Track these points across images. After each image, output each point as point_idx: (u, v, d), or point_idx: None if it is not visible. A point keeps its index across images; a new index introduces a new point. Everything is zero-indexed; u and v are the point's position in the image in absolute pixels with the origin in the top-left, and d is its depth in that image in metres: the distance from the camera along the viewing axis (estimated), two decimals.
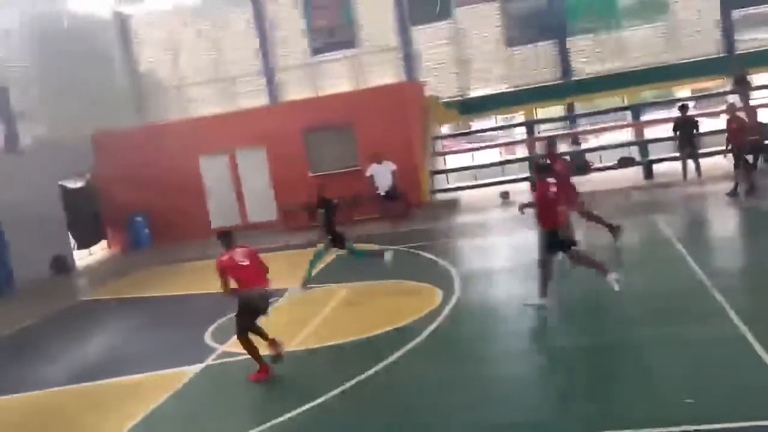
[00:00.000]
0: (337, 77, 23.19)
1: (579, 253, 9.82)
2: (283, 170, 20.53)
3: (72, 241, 20.42)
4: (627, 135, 23.10)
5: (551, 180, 9.63)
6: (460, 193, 21.22)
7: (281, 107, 22.56)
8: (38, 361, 11.37)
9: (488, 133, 25.68)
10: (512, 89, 22.90)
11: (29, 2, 20.03)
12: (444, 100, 22.93)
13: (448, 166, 23.37)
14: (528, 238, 15.12)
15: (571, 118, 23.32)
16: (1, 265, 17.18)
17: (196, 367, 9.46)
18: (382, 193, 18.20)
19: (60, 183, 20.17)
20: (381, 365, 8.44)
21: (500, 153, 24.60)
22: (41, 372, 10.69)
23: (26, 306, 15.36)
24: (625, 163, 20.60)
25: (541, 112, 23.82)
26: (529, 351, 8.61)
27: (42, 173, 18.80)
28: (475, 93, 23.23)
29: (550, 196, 9.38)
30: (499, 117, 24.86)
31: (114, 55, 24.11)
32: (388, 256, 12.65)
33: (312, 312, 11.24)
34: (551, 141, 13.12)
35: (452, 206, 20.01)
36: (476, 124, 25.58)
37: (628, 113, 22.66)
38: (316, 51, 23.58)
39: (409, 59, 22.97)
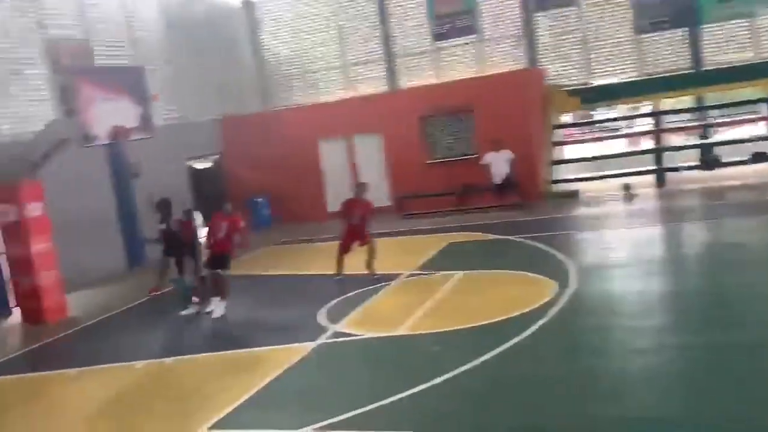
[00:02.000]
0: (457, 63, 23.04)
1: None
2: (400, 156, 20.67)
3: (198, 219, 21.37)
4: (762, 129, 21.70)
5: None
6: (580, 184, 20.63)
7: (399, 93, 22.68)
8: (165, 330, 12.05)
9: (612, 124, 24.82)
10: (639, 78, 21.97)
11: None
12: (566, 89, 22.33)
13: (569, 157, 22.76)
14: (649, 233, 14.65)
15: (701, 109, 22.15)
16: (134, 239, 18.25)
17: (310, 345, 9.71)
18: (498, 182, 17.98)
19: (188, 163, 21.21)
20: (490, 354, 8.35)
21: (624, 144, 23.72)
22: (166, 341, 11.34)
23: (155, 278, 16.24)
24: (759, 158, 19.38)
25: (670, 103, 22.74)
26: (647, 347, 8.28)
27: (172, 154, 19.81)
28: (600, 81, 22.46)
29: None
30: (624, 107, 23.93)
31: (242, 42, 24.98)
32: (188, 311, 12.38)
33: (423, 297, 11.28)
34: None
35: (571, 198, 19.51)
36: (600, 114, 24.75)
37: (764, 106, 21.26)
38: (438, 37, 23.50)
39: (531, 46, 22.49)
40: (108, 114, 13.45)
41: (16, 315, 14.16)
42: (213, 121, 22.46)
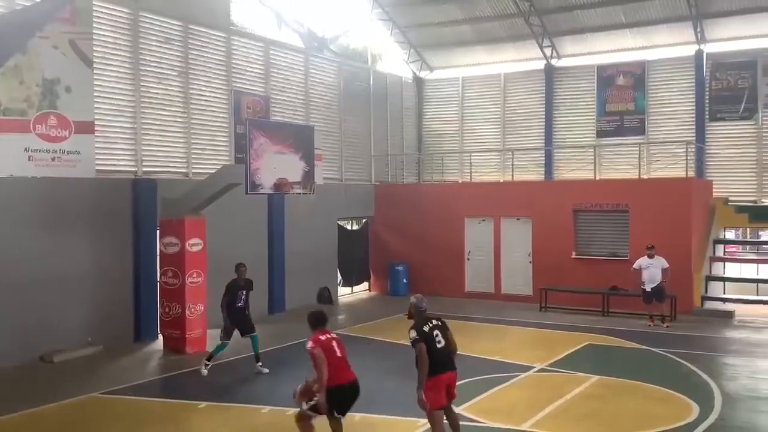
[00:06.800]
0: (618, 162, 22.59)
1: None
2: (547, 246, 20.32)
3: (339, 277, 22.02)
4: None
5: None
6: (736, 305, 19.30)
7: (554, 184, 22.46)
8: (292, 378, 12.31)
9: None
10: None
11: (346, 61, 22.38)
12: (735, 204, 21.22)
13: (727, 275, 21.44)
14: None
15: None
16: (278, 288, 19.00)
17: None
18: (648, 290, 17.16)
19: (339, 223, 21.95)
20: None
21: None
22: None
23: (291, 327, 16.70)
24: None
25: None
26: None
27: (326, 212, 20.61)
28: None
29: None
30: None
31: (406, 115, 25.84)
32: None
33: (553, 395, 10.89)
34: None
35: (725, 317, 18.27)
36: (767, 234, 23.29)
37: None
38: (602, 133, 23.23)
39: (701, 155, 21.66)
40: (275, 166, 14.21)
41: (160, 341, 15.02)
42: (367, 186, 23.24)
